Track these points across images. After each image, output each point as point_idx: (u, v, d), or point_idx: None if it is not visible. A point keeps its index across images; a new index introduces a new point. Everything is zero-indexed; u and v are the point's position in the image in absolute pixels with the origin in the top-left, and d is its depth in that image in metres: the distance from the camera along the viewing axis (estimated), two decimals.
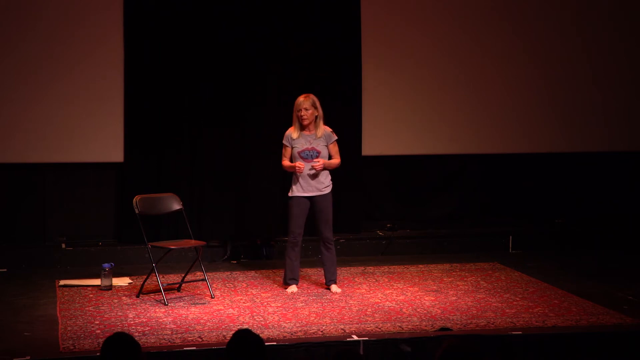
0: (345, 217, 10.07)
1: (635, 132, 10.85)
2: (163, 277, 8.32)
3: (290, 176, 8.39)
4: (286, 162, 8.29)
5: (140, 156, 9.70)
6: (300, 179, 8.20)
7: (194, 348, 6.55)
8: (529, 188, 10.81)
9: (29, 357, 6.30)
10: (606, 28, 10.73)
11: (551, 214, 10.73)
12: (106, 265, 8.42)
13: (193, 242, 8.32)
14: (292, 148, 8.23)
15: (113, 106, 9.63)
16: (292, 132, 8.24)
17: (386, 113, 10.31)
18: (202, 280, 8.22)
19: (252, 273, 9.13)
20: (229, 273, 9.14)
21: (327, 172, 8.31)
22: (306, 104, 8.15)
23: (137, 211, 8.21)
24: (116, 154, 9.68)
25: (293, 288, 8.32)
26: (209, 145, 9.79)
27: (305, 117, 8.15)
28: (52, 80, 9.51)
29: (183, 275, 8.44)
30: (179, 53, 9.69)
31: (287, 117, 9.85)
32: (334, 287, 8.33)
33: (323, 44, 10.02)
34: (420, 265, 9.41)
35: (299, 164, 8.17)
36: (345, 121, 10.06)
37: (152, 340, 6.79)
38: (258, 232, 9.90)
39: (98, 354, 5.04)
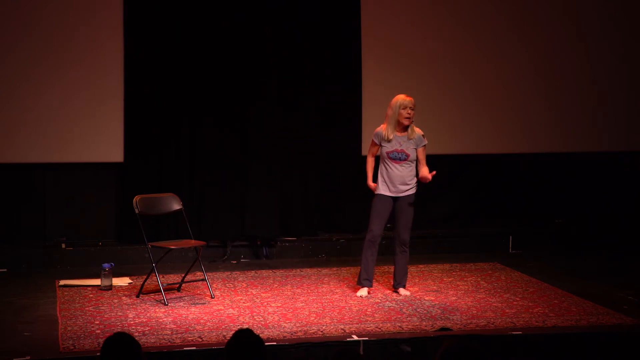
0: (345, 217, 10.09)
1: (634, 132, 10.85)
2: (163, 277, 8.31)
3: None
4: (370, 162, 8.16)
5: (140, 156, 9.69)
6: (387, 179, 8.01)
7: (194, 348, 6.55)
8: (529, 188, 10.79)
9: (29, 357, 6.30)
10: (606, 28, 10.72)
11: (551, 214, 10.72)
12: (106, 265, 8.42)
13: (193, 242, 8.31)
14: (382, 147, 8.02)
15: (113, 106, 9.62)
16: (387, 132, 7.97)
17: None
18: (202, 280, 8.21)
19: (252, 273, 9.13)
20: (229, 273, 9.13)
21: (413, 172, 8.07)
22: (412, 104, 7.90)
23: (137, 211, 8.20)
24: (116, 154, 9.67)
25: (364, 291, 8.06)
26: (209, 145, 9.78)
27: (411, 116, 7.89)
28: (52, 80, 9.50)
29: (183, 275, 8.43)
30: (179, 53, 9.67)
31: (286, 117, 9.91)
32: (402, 291, 8.14)
33: (323, 44, 10.01)
34: (420, 265, 9.40)
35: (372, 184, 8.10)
36: (345, 121, 10.07)
37: (152, 340, 6.79)
38: (258, 232, 9.90)
39: (98, 354, 5.03)
